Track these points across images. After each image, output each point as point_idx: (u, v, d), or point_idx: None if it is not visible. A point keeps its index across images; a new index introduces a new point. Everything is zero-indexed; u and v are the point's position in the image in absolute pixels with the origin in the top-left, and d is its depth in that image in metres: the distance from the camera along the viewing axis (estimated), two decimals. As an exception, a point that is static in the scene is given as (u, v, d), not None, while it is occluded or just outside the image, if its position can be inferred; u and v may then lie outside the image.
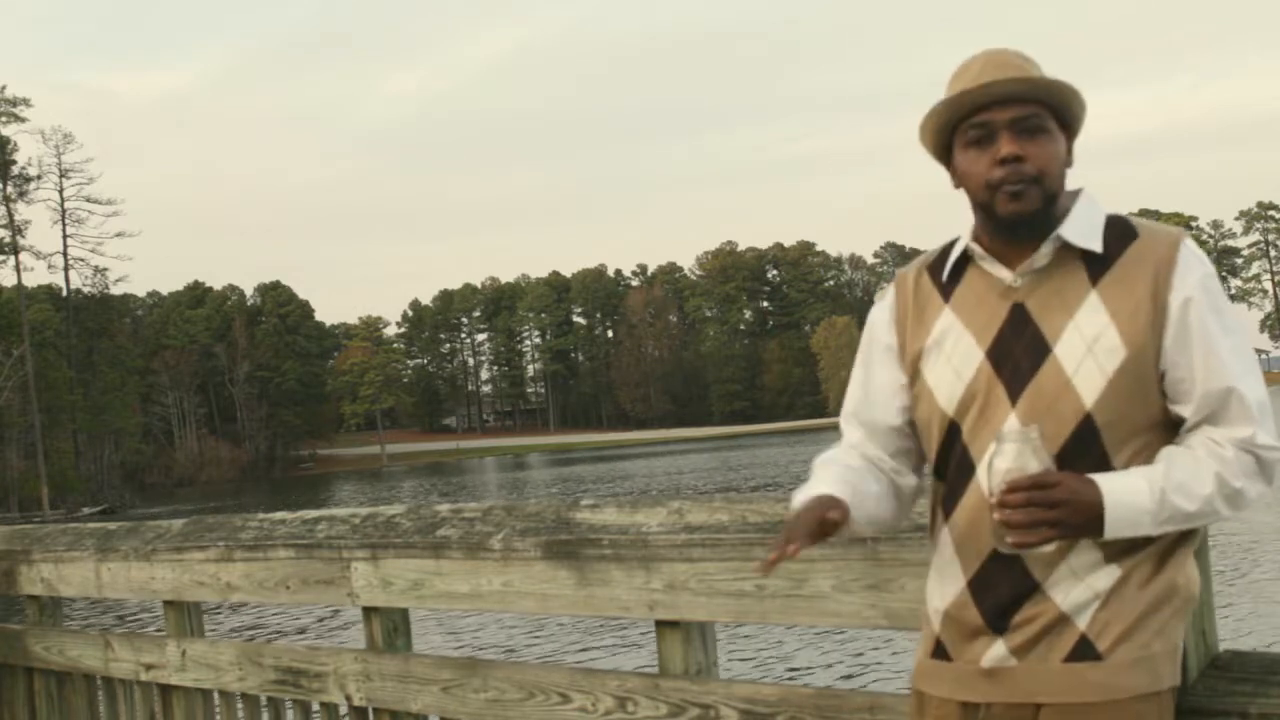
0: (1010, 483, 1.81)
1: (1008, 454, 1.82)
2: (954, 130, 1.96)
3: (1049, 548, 1.83)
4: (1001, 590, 1.91)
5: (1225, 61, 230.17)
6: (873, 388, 2.11)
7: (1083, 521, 1.81)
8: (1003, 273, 1.94)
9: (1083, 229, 1.91)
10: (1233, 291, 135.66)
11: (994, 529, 1.84)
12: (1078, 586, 1.86)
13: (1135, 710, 1.84)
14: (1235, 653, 2.10)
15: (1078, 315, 1.88)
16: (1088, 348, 1.87)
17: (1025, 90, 1.90)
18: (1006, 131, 1.90)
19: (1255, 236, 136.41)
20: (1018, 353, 1.91)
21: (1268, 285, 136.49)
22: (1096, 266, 1.90)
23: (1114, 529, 1.81)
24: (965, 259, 2.00)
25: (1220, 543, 17.64)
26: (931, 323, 2.01)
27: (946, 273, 2.02)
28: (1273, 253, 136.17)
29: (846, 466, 2.07)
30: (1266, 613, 13.46)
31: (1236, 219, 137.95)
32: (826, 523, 1.89)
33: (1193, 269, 1.88)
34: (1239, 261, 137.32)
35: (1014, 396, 1.90)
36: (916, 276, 2.07)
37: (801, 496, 2.00)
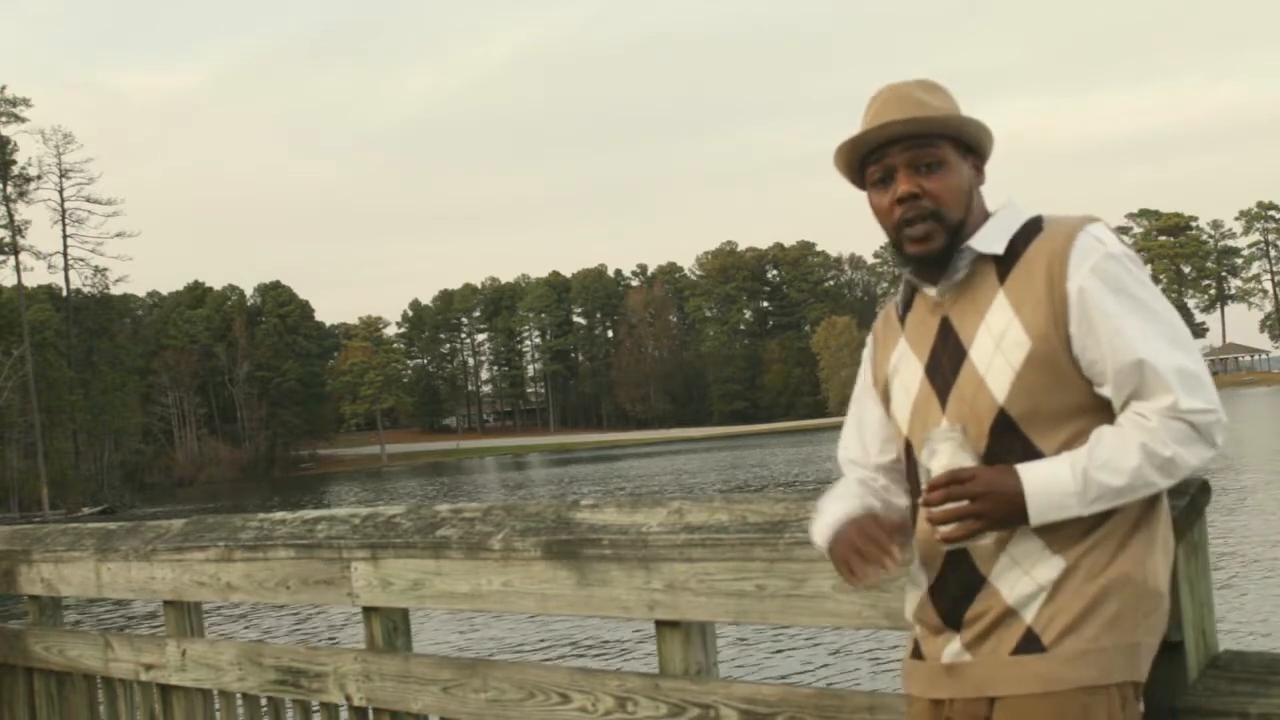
0: (930, 481, 1.88)
1: (940, 454, 1.90)
2: (864, 164, 2.05)
3: (984, 540, 1.88)
4: (953, 587, 1.96)
5: (1225, 62, 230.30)
6: (860, 427, 2.22)
7: (1006, 511, 1.86)
8: (932, 291, 2.03)
9: (990, 236, 1.98)
10: (1232, 292, 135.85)
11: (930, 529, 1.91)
12: (1023, 579, 1.90)
13: (1080, 703, 1.85)
14: (1235, 653, 2.10)
15: (987, 316, 1.95)
16: (996, 345, 1.93)
17: (918, 129, 1.97)
18: (903, 170, 1.99)
19: (1255, 236, 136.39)
20: (945, 362, 2.00)
21: (1268, 285, 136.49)
22: (1004, 267, 1.96)
23: (1039, 514, 1.85)
24: (913, 288, 2.10)
25: (1220, 542, 17.64)
26: (891, 352, 2.12)
27: (902, 303, 2.12)
28: (1273, 253, 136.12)
29: (845, 494, 2.17)
30: (1266, 613, 13.47)
31: (1236, 219, 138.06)
32: (888, 530, 2.01)
33: (1088, 254, 1.90)
34: (1239, 261, 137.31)
35: (943, 403, 1.98)
36: (886, 313, 2.19)
37: (823, 525, 2.10)
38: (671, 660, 2.73)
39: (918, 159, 1.98)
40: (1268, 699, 1.96)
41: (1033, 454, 1.89)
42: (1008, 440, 1.90)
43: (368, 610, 3.38)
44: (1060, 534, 1.88)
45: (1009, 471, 1.87)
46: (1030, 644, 1.88)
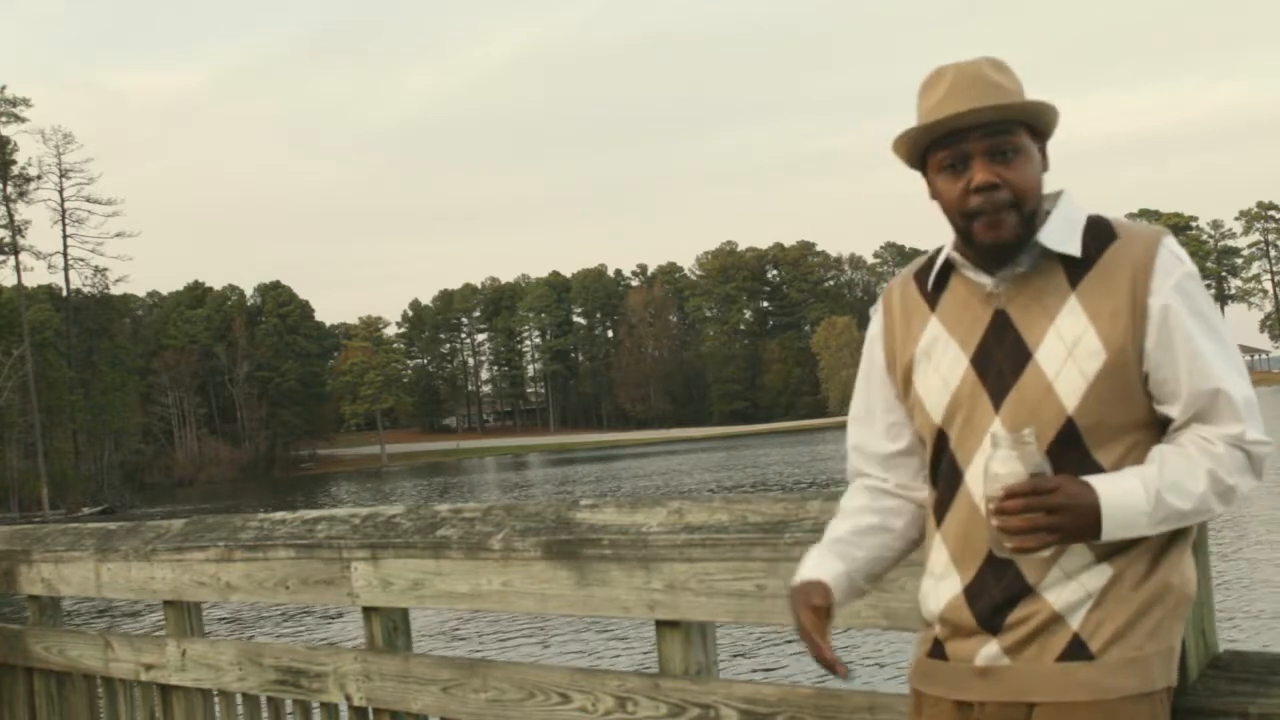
0: (1008, 488, 1.80)
1: (1002, 459, 1.82)
2: (927, 146, 1.96)
3: (1047, 552, 1.83)
4: (994, 592, 1.92)
5: (1225, 62, 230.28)
6: (870, 413, 2.15)
7: (1081, 525, 1.81)
8: (984, 280, 1.95)
9: (1061, 233, 1.92)
10: (1232, 292, 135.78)
11: (992, 535, 1.84)
12: (1070, 586, 1.87)
13: (1127, 711, 1.84)
14: (1235, 653, 2.10)
15: (1058, 319, 1.89)
16: (1068, 352, 1.87)
17: (1001, 116, 1.89)
18: (980, 158, 1.90)
19: (1255, 236, 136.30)
20: (1000, 359, 1.92)
21: (1268, 285, 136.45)
22: (1076, 270, 1.90)
23: (1111, 531, 1.81)
24: (949, 267, 2.01)
25: (1221, 543, 17.64)
26: (919, 332, 2.03)
27: (931, 282, 2.03)
28: (1273, 253, 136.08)
29: (835, 539, 2.12)
30: (1266, 613, 13.46)
31: (1236, 219, 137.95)
32: (816, 610, 2.00)
33: (1171, 271, 1.87)
34: (1239, 261, 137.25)
35: (997, 403, 1.91)
36: (903, 286, 2.09)
37: (796, 577, 2.08)
38: (671, 660, 2.73)
39: (996, 146, 1.89)
40: (1268, 699, 1.95)
41: (1091, 467, 1.86)
42: (1070, 450, 1.86)
43: (368, 610, 3.38)
44: (1107, 543, 1.85)
45: (1086, 485, 1.82)
46: (1077, 651, 1.86)
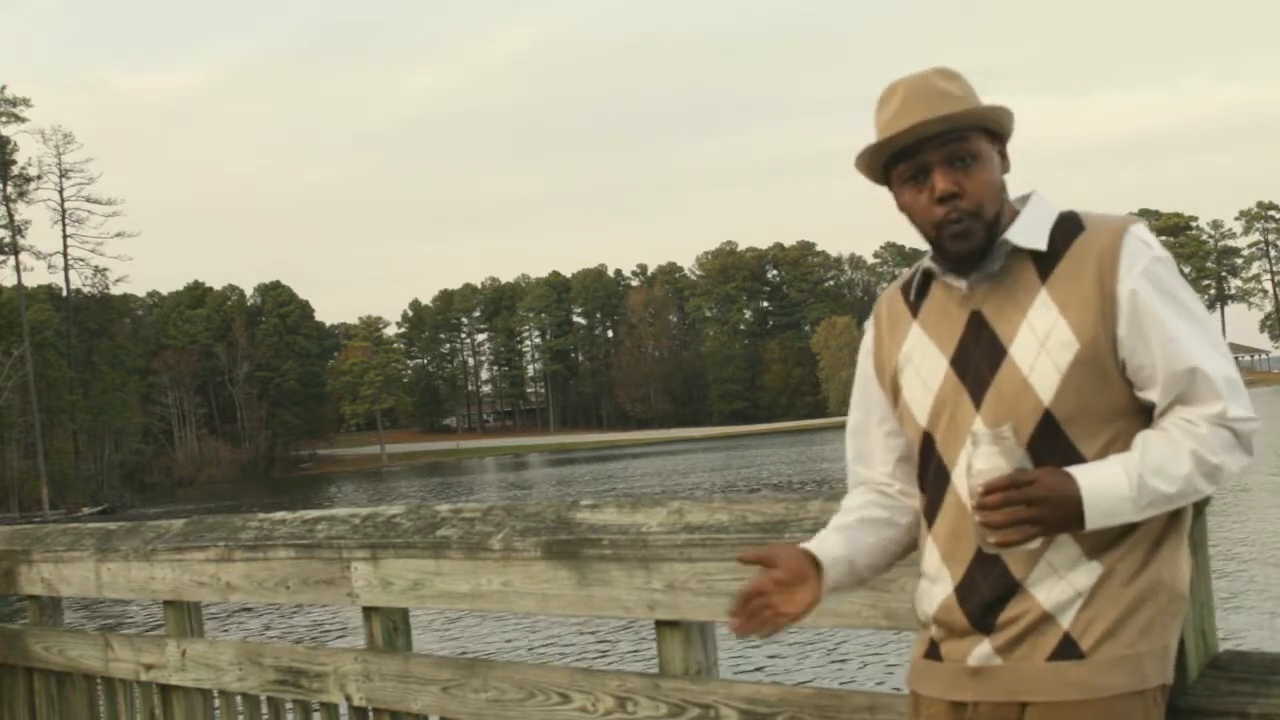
0: (987, 484, 1.82)
1: (982, 455, 1.84)
2: (889, 161, 1.98)
3: (1032, 545, 1.84)
4: (984, 591, 1.92)
5: (1225, 62, 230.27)
6: (866, 426, 2.17)
7: (1063, 516, 1.81)
8: (959, 283, 1.98)
9: (1029, 230, 1.94)
10: (1232, 292, 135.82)
11: (977, 531, 1.85)
12: (1059, 584, 1.87)
13: (1119, 710, 1.84)
14: (1235, 653, 2.10)
15: (1030, 314, 1.91)
16: (1040, 345, 1.89)
17: (952, 125, 1.91)
18: (940, 167, 1.92)
19: (1255, 236, 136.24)
20: (978, 358, 1.94)
21: (1268, 285, 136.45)
22: (1045, 264, 1.92)
23: (1094, 520, 1.82)
24: (929, 275, 2.04)
25: (1221, 542, 17.64)
26: (902, 340, 2.06)
27: (914, 291, 2.06)
28: (1273, 253, 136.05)
29: (840, 525, 2.13)
30: (1266, 613, 13.47)
31: (1236, 219, 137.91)
32: (776, 560, 2.02)
33: (1138, 257, 1.88)
34: (1239, 261, 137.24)
35: (977, 401, 1.93)
36: (890, 298, 2.13)
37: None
38: (671, 660, 2.73)
39: (954, 154, 1.92)
40: (1268, 699, 1.95)
41: (1074, 457, 1.87)
42: (1051, 442, 1.88)
43: (368, 610, 3.38)
44: (1096, 539, 1.86)
45: (1066, 476, 1.83)
46: (1068, 650, 1.86)
